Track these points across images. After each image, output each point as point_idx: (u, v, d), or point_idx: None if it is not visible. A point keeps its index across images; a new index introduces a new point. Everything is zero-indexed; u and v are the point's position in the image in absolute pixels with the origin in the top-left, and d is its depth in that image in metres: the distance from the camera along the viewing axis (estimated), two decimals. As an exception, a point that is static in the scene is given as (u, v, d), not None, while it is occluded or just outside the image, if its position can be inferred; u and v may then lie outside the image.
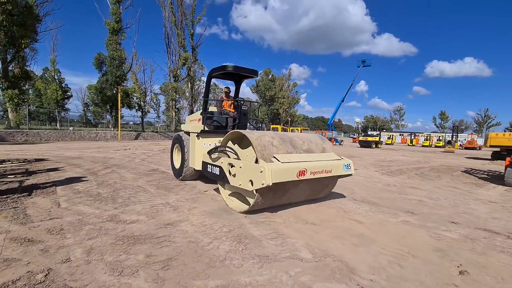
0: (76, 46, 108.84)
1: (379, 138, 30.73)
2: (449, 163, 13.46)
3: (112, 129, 29.61)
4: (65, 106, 44.24)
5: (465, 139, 41.13)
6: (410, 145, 41.49)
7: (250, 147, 3.95)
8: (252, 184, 3.48)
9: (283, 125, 44.70)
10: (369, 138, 28.96)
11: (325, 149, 4.56)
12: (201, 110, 5.97)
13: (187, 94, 38.48)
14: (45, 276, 2.10)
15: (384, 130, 63.48)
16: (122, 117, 26.73)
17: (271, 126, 31.01)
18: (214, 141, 5.51)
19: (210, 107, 6.62)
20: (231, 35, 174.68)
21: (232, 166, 3.99)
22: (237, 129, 5.18)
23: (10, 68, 19.57)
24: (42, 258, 2.37)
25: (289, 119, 59.74)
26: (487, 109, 70.83)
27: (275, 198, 3.94)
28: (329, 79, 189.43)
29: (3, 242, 2.65)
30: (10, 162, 8.03)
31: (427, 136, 44.23)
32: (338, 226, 3.51)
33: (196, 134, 5.62)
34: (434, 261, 2.62)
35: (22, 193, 4.53)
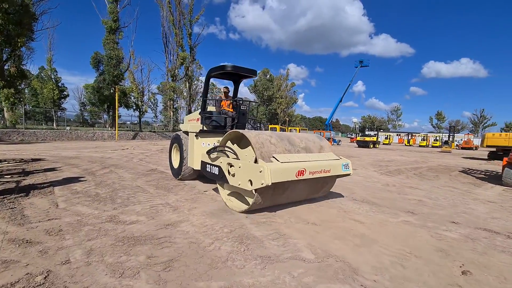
0: (73, 45, 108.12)
1: (377, 138, 30.84)
2: (446, 163, 13.54)
3: (110, 128, 29.43)
4: (62, 105, 43.90)
5: (461, 139, 41.43)
6: (407, 145, 41.71)
7: (249, 147, 3.95)
8: (251, 184, 3.48)
9: (281, 125, 44.70)
10: (367, 138, 29.06)
11: (322, 147, 4.57)
12: (200, 110, 5.96)
13: (185, 94, 38.35)
14: (45, 278, 2.06)
15: (382, 130, 63.79)
16: (119, 116, 26.63)
17: (270, 126, 31.01)
18: (213, 141, 5.50)
19: (208, 107, 6.60)
20: (229, 34, 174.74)
21: (231, 166, 3.98)
22: (236, 129, 5.16)
23: (6, 67, 19.38)
24: (41, 260, 2.33)
25: (287, 119, 59.77)
26: (483, 109, 71.55)
27: (274, 197, 3.94)
28: (326, 79, 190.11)
29: (0, 244, 2.61)
30: (6, 162, 7.93)
31: (424, 136, 44.43)
32: (339, 226, 3.50)
33: (195, 133, 5.60)
34: (436, 261, 2.62)
35: (19, 193, 4.47)
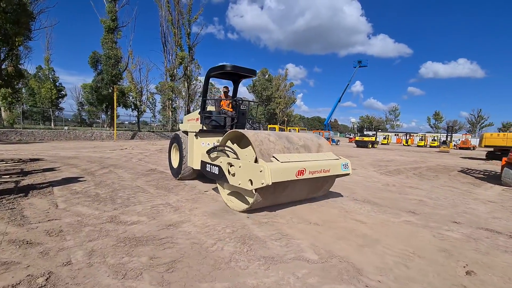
0: (70, 44, 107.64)
1: (375, 138, 30.91)
2: (445, 163, 13.58)
3: (108, 128, 29.31)
4: (59, 105, 43.64)
5: (459, 139, 41.60)
6: (405, 145, 41.83)
7: (249, 147, 3.97)
8: (251, 184, 3.49)
9: (279, 125, 44.73)
10: (366, 138, 29.12)
11: (321, 145, 4.60)
12: (199, 110, 5.95)
13: (183, 94, 38.28)
14: (46, 279, 2.03)
15: (380, 130, 63.89)
16: (117, 116, 26.48)
17: (269, 126, 31.01)
18: (213, 141, 5.49)
19: (208, 107, 6.59)
20: (227, 34, 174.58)
21: (231, 165, 3.98)
22: (235, 128, 5.15)
23: (3, 66, 19.23)
24: (42, 261, 2.30)
25: (286, 119, 59.79)
26: (480, 109, 71.82)
27: (274, 197, 3.95)
28: (325, 79, 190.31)
29: (0, 245, 2.57)
30: (4, 162, 7.87)
31: (422, 136, 44.59)
32: (341, 227, 3.49)
33: (194, 133, 5.59)
34: (439, 261, 2.61)
35: (18, 193, 4.43)
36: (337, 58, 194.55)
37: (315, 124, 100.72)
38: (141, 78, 34.91)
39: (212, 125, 5.94)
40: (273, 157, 3.68)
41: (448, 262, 2.60)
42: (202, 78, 42.61)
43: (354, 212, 4.16)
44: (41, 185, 5.09)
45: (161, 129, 38.29)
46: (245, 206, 3.89)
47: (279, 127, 29.91)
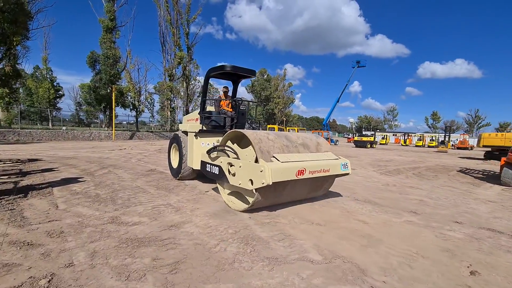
0: (68, 44, 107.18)
1: (374, 138, 30.98)
2: (444, 163, 13.63)
3: (106, 128, 29.19)
4: (57, 105, 43.44)
5: (457, 139, 41.77)
6: (403, 145, 41.95)
7: (249, 147, 4.00)
8: (252, 183, 3.51)
9: (278, 125, 44.73)
10: (364, 138, 29.19)
11: (319, 144, 4.64)
12: (199, 110, 5.94)
13: (181, 94, 38.19)
14: (49, 281, 2.01)
15: (378, 130, 64.06)
16: (116, 116, 26.37)
17: (268, 126, 31.00)
18: (213, 141, 5.51)
19: (207, 107, 6.57)
20: (226, 34, 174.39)
21: (231, 165, 3.99)
22: (235, 129, 5.15)
23: (0, 66, 19.10)
24: (43, 263, 2.27)
25: (284, 119, 59.84)
26: (478, 109, 72.12)
27: (275, 197, 3.96)
28: (323, 80, 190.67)
29: (1, 246, 2.54)
30: (2, 163, 7.81)
31: (420, 136, 44.79)
32: (343, 227, 3.48)
33: (194, 133, 5.59)
34: (443, 261, 2.61)
35: (18, 194, 4.39)
36: (335, 59, 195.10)
37: (313, 124, 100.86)
38: (139, 78, 34.76)
39: (212, 125, 5.94)
40: (273, 157, 3.70)
41: (451, 262, 2.60)
42: (200, 78, 42.63)
43: (356, 212, 4.15)
44: (40, 186, 5.05)
45: (160, 129, 38.19)
46: (245, 206, 3.90)
47: (278, 127, 29.90)
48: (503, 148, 14.68)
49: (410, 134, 49.16)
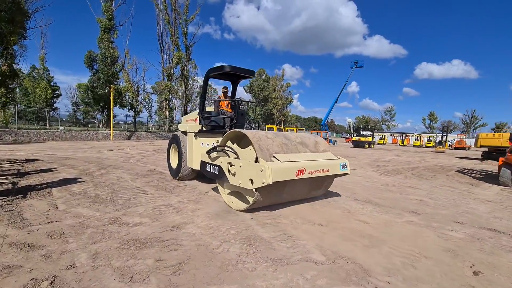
0: (65, 43, 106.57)
1: (372, 139, 31.09)
2: (442, 163, 13.69)
3: (104, 128, 29.06)
4: (54, 105, 43.19)
5: (454, 140, 42.03)
6: (401, 145, 42.14)
7: (249, 147, 4.02)
8: (252, 183, 3.52)
9: (277, 125, 44.77)
10: (362, 138, 29.27)
11: (317, 143, 4.69)
12: (198, 110, 5.94)
13: (180, 94, 38.10)
14: (51, 283, 1.99)
15: (376, 131, 64.34)
16: (114, 116, 26.24)
17: (267, 126, 31.01)
18: (212, 141, 5.54)
19: (206, 107, 6.57)
20: (224, 34, 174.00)
21: (231, 165, 4.00)
22: (234, 129, 5.15)
23: (-3, 65, 18.93)
24: (45, 264, 2.25)
25: (283, 119, 59.87)
26: (474, 110, 72.67)
27: (275, 196, 3.98)
28: (321, 80, 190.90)
29: (1, 248, 2.51)
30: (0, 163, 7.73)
31: (417, 137, 44.97)
32: (345, 227, 3.48)
33: (193, 134, 5.59)
34: (446, 261, 2.61)
35: (17, 195, 4.34)
36: (333, 59, 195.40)
37: (311, 124, 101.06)
38: (137, 78, 34.64)
39: (211, 125, 5.94)
40: (274, 156, 3.73)
41: (454, 262, 2.60)
42: (198, 78, 42.54)
43: (357, 213, 4.15)
44: (39, 186, 5.01)
45: (158, 129, 38.08)
46: (245, 206, 3.92)
47: (276, 128, 29.91)
48: (500, 148, 14.79)
49: (407, 134, 49.39)
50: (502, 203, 5.22)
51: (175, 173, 6.26)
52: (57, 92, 44.48)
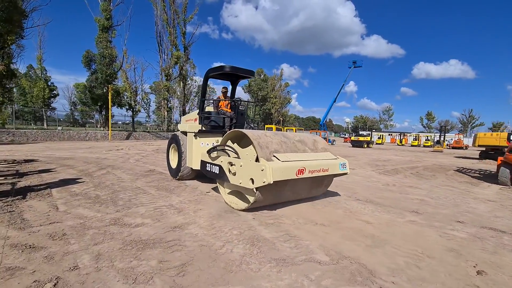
0: (62, 43, 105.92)
1: (371, 138, 31.18)
2: (440, 162, 13.75)
3: (102, 128, 28.92)
4: (51, 105, 42.89)
5: (451, 139, 42.23)
6: (399, 145, 42.29)
7: (250, 147, 4.05)
8: (253, 182, 3.53)
9: (276, 125, 44.78)
10: (361, 138, 29.35)
11: (316, 141, 4.74)
12: (198, 110, 5.95)
13: (178, 93, 38.01)
14: (54, 285, 1.97)
15: (374, 130, 64.50)
16: (112, 116, 26.13)
17: (266, 126, 31.01)
18: (212, 141, 5.56)
19: (206, 107, 6.56)
20: (222, 34, 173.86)
21: (232, 164, 4.01)
22: (234, 129, 5.15)
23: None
24: (48, 266, 2.23)
25: (281, 119, 59.89)
26: (471, 109, 72.93)
27: (275, 196, 4.00)
28: (319, 80, 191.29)
29: (2, 249, 2.49)
30: (-2, 163, 7.67)
31: (415, 136, 45.14)
32: (348, 227, 3.48)
33: (193, 134, 5.59)
34: (449, 261, 2.62)
35: (16, 196, 4.31)
36: (331, 59, 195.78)
37: (310, 124, 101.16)
38: (135, 78, 34.57)
39: (211, 125, 5.93)
40: (274, 156, 3.74)
41: (457, 262, 2.61)
42: (197, 78, 42.44)
43: (359, 212, 4.16)
44: (38, 187, 4.97)
45: (156, 129, 37.97)
46: (245, 205, 3.94)
47: (275, 127, 29.91)
48: (497, 147, 14.87)
49: (405, 134, 49.57)
50: (502, 202, 5.25)
51: (175, 173, 6.26)
52: (55, 92, 44.18)
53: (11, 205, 3.82)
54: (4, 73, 18.79)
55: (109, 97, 24.20)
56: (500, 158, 7.57)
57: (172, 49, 32.65)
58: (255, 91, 58.06)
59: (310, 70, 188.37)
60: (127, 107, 31.57)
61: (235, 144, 4.39)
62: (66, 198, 4.35)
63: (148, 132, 30.83)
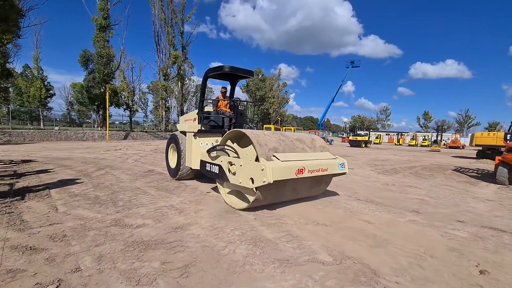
0: (58, 42, 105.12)
1: (369, 138, 31.30)
2: (438, 162, 13.82)
3: (100, 128, 28.76)
4: (48, 104, 42.57)
5: (448, 139, 42.51)
6: (397, 144, 42.51)
7: (249, 146, 4.07)
8: (253, 182, 3.54)
9: (275, 125, 44.79)
10: (359, 138, 29.47)
11: (314, 140, 4.80)
12: (197, 110, 5.94)
13: (176, 93, 37.89)
14: (57, 287, 1.94)
15: (371, 130, 64.73)
16: (110, 116, 25.97)
17: (264, 126, 31.01)
18: (211, 141, 5.57)
19: (205, 107, 6.55)
20: (220, 34, 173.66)
21: (232, 164, 4.01)
22: (233, 129, 5.16)
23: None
24: (49, 268, 2.20)
25: (279, 118, 59.91)
26: (468, 109, 73.58)
27: (275, 195, 4.02)
28: (317, 80, 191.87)
29: (2, 251, 2.46)
30: (-5, 164, 7.59)
31: (413, 136, 45.40)
32: (349, 227, 3.48)
33: (193, 133, 5.58)
34: (452, 261, 2.62)
35: (15, 196, 4.26)
36: (329, 59, 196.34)
37: (308, 124, 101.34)
38: (133, 78, 34.41)
39: (210, 125, 5.92)
40: (274, 156, 3.76)
41: (460, 261, 2.62)
42: (194, 78, 42.33)
43: (360, 212, 4.16)
44: (37, 188, 4.92)
45: (154, 129, 37.82)
46: (245, 204, 3.95)
47: (274, 127, 29.93)
48: (494, 147, 14.99)
49: (403, 133, 49.83)
50: (500, 202, 5.28)
51: (174, 173, 6.24)
52: (51, 91, 43.87)
53: (9, 206, 3.77)
54: (0, 72, 18.62)
55: (107, 97, 24.05)
56: (498, 157, 7.62)
57: (170, 49, 32.53)
58: (253, 91, 57.99)
59: (307, 69, 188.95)
60: (125, 107, 31.42)
61: (235, 144, 4.40)
62: (65, 199, 4.31)
63: (146, 132, 30.70)
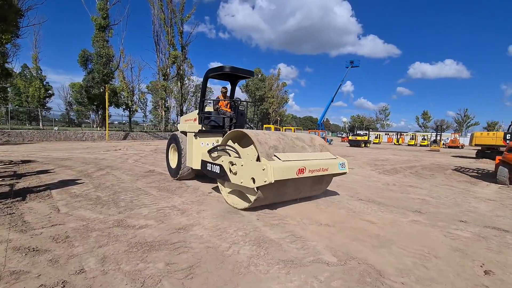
0: (57, 42, 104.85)
1: (368, 138, 31.33)
2: (438, 161, 13.84)
3: (99, 129, 28.69)
4: (47, 104, 42.43)
5: (448, 138, 42.60)
6: (396, 144, 42.57)
7: (250, 146, 4.09)
8: (254, 182, 3.55)
9: (274, 125, 44.79)
10: (359, 138, 29.50)
11: (313, 139, 4.84)
12: (198, 110, 5.93)
13: (175, 93, 37.84)
14: (61, 289, 1.93)
15: (371, 130, 64.80)
16: (109, 116, 25.91)
17: (264, 126, 31.00)
18: (212, 141, 5.58)
19: (205, 107, 6.54)
20: (219, 34, 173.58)
21: (233, 164, 4.01)
22: (234, 129, 5.17)
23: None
24: (53, 270, 2.19)
25: (279, 118, 59.92)
26: (466, 109, 73.76)
27: (275, 195, 4.03)
28: (316, 79, 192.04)
29: (5, 253, 2.44)
30: (-6, 164, 7.56)
31: (412, 136, 45.48)
32: (352, 227, 3.47)
33: (193, 133, 5.58)
34: (456, 261, 2.62)
35: (15, 197, 4.24)
36: (328, 58, 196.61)
37: (307, 124, 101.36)
38: (132, 78, 34.32)
39: (211, 125, 5.92)
40: (275, 155, 3.77)
41: (464, 261, 2.61)
42: (194, 78, 42.27)
43: (362, 212, 4.16)
44: (38, 188, 4.90)
45: (153, 129, 37.76)
46: (246, 204, 3.96)
47: (274, 127, 29.93)
48: (493, 147, 15.02)
49: (402, 133, 49.90)
50: (502, 202, 5.29)
51: (175, 173, 6.23)
52: (50, 91, 43.73)
53: (10, 207, 3.75)
54: (-1, 72, 18.55)
55: (106, 97, 23.99)
56: (498, 157, 7.63)
57: (169, 49, 32.46)
58: (253, 91, 57.98)
59: (307, 69, 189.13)
60: (124, 107, 31.33)
61: (236, 144, 4.41)
62: (67, 199, 4.29)
63: (146, 132, 30.64)
